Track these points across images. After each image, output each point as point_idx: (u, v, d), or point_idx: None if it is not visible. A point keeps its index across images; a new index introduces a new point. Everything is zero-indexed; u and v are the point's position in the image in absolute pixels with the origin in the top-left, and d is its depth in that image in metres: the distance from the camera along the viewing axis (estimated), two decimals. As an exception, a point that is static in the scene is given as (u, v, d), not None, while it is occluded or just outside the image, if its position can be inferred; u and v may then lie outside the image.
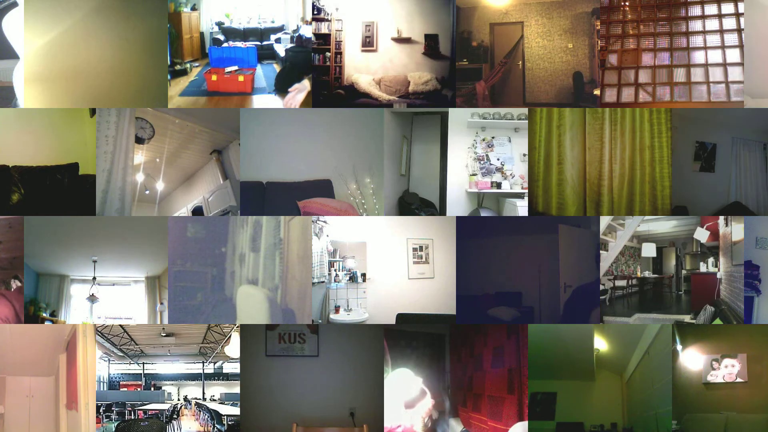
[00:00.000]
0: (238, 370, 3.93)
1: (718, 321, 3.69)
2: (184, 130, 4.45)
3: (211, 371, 4.32)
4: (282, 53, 4.76)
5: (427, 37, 4.29)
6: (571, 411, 3.75)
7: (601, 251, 3.89)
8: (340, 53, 4.29)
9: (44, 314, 3.85)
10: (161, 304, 3.95)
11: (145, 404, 4.22)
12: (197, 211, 4.57)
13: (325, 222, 4.37)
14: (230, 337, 4.02)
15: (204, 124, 4.41)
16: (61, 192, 3.78)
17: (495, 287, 3.79)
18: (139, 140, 4.18)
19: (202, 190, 4.84)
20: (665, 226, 4.05)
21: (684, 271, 4.10)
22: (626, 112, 3.92)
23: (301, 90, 3.35)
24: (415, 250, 4.98)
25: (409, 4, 4.31)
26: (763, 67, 3.87)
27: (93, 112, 3.81)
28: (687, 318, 3.79)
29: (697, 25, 3.98)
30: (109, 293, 3.95)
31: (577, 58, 4.08)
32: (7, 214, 3.71)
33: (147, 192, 4.49)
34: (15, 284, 3.73)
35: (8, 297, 3.72)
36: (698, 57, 3.96)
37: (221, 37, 5.18)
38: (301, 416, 3.88)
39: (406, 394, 3.72)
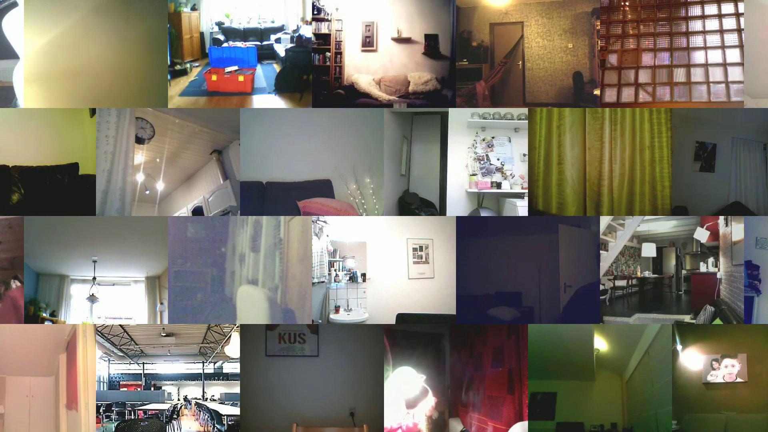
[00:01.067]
0: (238, 370, 3.93)
1: (718, 321, 3.69)
2: (184, 130, 4.45)
3: (211, 371, 4.32)
4: (282, 53, 4.77)
5: (427, 37, 4.29)
6: (571, 411, 3.74)
7: (601, 251, 3.89)
8: (340, 53, 4.29)
9: (44, 314, 3.85)
10: (161, 304, 3.95)
11: (145, 404, 4.22)
12: (197, 211, 4.57)
13: (325, 222, 4.37)
14: (230, 337, 4.02)
15: (204, 124, 4.41)
16: (61, 192, 3.78)
17: (495, 287, 3.79)
18: (139, 140, 4.18)
19: (202, 190, 4.83)
20: (665, 226, 4.05)
21: (684, 271, 4.09)
22: (626, 112, 3.92)
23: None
24: (415, 250, 4.98)
25: (409, 4, 4.30)
26: (763, 67, 3.87)
27: (93, 112, 3.81)
28: (687, 318, 3.79)
29: (697, 25, 3.98)
30: (109, 293, 3.95)
31: (577, 58, 4.08)
32: (7, 214, 3.71)
33: (147, 192, 4.49)
34: (15, 284, 3.73)
35: (8, 297, 3.72)
36: (698, 57, 3.96)
37: (221, 37, 5.19)
38: (301, 416, 3.88)
39: (408, 392, 3.72)
